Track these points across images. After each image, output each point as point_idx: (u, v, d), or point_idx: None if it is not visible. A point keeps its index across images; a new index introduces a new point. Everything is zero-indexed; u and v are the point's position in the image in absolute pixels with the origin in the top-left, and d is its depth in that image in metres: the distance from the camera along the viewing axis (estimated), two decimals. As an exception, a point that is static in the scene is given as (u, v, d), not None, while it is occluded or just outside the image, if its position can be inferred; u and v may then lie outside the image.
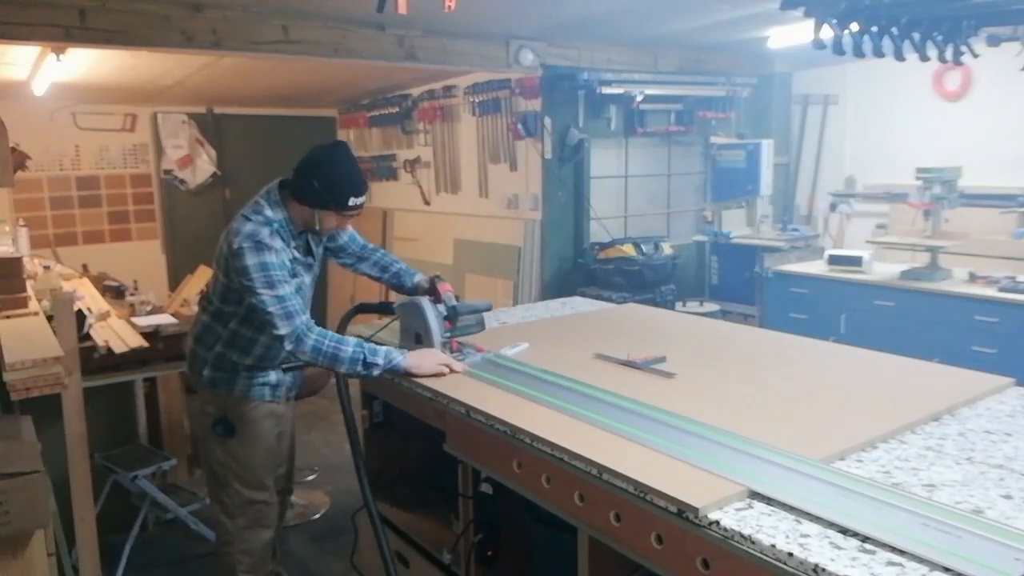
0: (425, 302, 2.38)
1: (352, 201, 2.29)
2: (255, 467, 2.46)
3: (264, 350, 2.40)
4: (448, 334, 2.36)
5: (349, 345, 2.18)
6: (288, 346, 2.17)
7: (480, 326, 2.45)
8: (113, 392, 3.54)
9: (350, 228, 2.56)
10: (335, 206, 2.29)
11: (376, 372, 2.19)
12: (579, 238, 5.32)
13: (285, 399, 2.54)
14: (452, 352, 2.34)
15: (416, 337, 2.37)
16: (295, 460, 2.79)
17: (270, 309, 2.15)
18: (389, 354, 2.20)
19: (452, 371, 2.21)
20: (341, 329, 2.47)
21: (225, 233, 2.29)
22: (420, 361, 2.21)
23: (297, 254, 2.37)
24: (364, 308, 2.70)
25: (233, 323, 2.37)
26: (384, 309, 2.63)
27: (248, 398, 2.42)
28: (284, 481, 2.69)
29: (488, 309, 2.52)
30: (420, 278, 2.63)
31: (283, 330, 2.16)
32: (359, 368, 2.17)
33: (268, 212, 2.29)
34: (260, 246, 2.19)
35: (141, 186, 6.86)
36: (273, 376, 2.46)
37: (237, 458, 2.44)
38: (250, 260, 2.17)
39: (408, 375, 2.19)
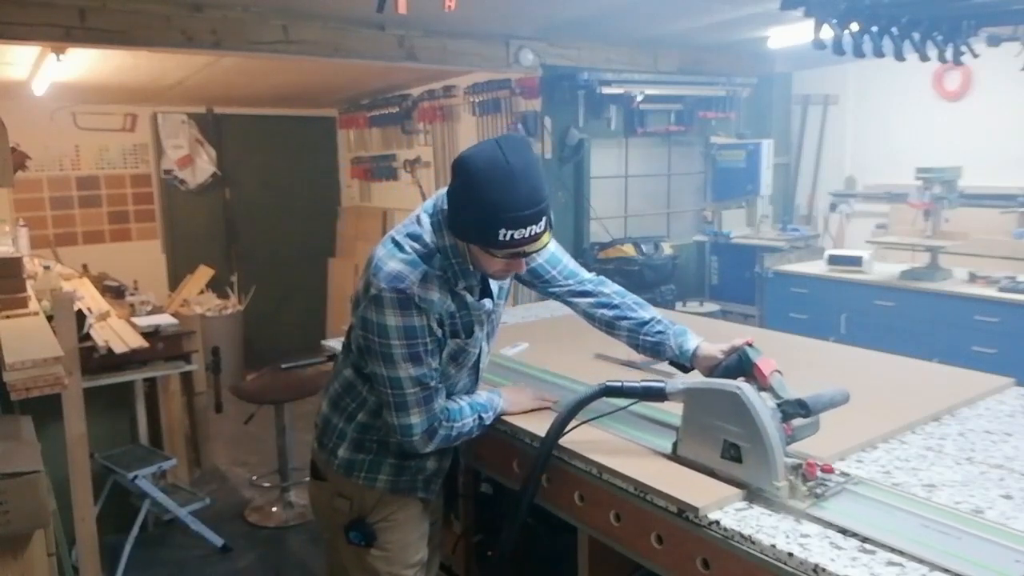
0: (750, 392, 1.46)
1: (504, 234, 1.47)
2: None
3: None
4: (790, 442, 1.48)
5: (466, 416, 1.74)
6: (416, 440, 1.65)
7: (815, 427, 1.54)
8: (113, 392, 3.54)
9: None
10: (480, 241, 1.53)
11: (489, 424, 1.82)
12: (579, 238, 5.32)
13: (436, 495, 1.94)
14: (807, 480, 1.41)
15: (728, 448, 1.46)
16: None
17: (406, 390, 1.61)
18: (491, 400, 1.82)
19: (549, 400, 1.85)
20: (571, 416, 1.66)
21: (371, 263, 1.64)
22: (517, 397, 1.86)
23: (469, 297, 1.68)
24: (612, 391, 1.68)
25: None
26: (652, 395, 1.65)
27: (397, 492, 1.79)
28: None
29: (846, 401, 1.56)
30: (700, 343, 1.78)
31: (415, 418, 1.63)
32: (477, 431, 1.79)
33: (427, 239, 1.62)
34: (407, 303, 1.56)
35: (141, 186, 6.85)
36: (431, 461, 1.83)
37: (378, 574, 1.84)
38: (391, 319, 1.56)
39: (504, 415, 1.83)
